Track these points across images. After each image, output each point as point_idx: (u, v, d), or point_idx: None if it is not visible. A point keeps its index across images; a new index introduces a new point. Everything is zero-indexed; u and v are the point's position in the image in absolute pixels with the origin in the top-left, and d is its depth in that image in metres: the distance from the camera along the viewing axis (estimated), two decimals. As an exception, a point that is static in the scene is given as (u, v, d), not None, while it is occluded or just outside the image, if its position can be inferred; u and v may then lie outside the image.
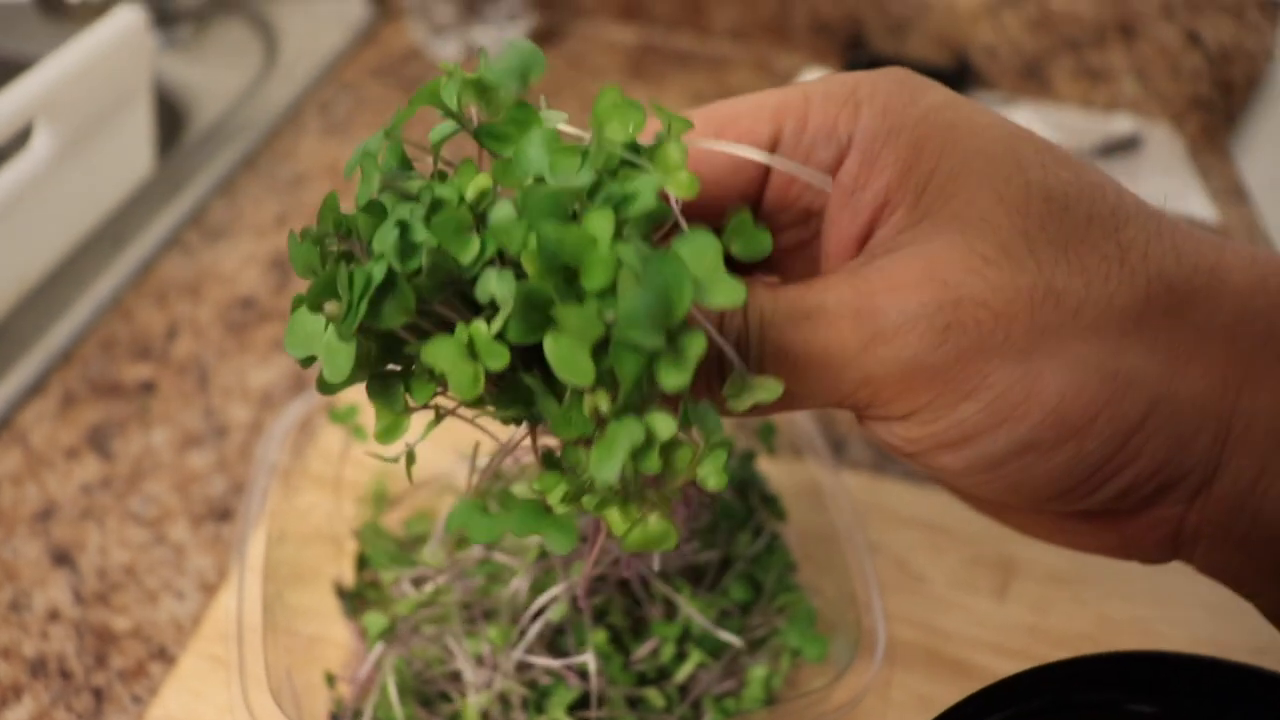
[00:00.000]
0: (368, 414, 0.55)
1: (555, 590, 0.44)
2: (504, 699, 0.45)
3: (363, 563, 0.53)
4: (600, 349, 0.25)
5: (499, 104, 0.29)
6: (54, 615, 0.54)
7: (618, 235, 0.25)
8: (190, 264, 0.77)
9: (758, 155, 0.31)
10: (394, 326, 0.26)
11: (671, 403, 0.27)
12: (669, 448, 0.27)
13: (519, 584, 0.47)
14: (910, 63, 0.97)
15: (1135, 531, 0.32)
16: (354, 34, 1.05)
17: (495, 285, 0.26)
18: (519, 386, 0.28)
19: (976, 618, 0.54)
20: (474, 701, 0.44)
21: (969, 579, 0.55)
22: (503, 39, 1.01)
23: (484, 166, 0.30)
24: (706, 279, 0.25)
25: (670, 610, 0.48)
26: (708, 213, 0.34)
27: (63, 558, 0.56)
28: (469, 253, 0.26)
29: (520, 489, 0.36)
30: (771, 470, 0.55)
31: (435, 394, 0.30)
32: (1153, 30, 0.92)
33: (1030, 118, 0.94)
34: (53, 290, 0.72)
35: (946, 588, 0.55)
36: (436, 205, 0.27)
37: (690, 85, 1.00)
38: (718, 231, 0.29)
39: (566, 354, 0.24)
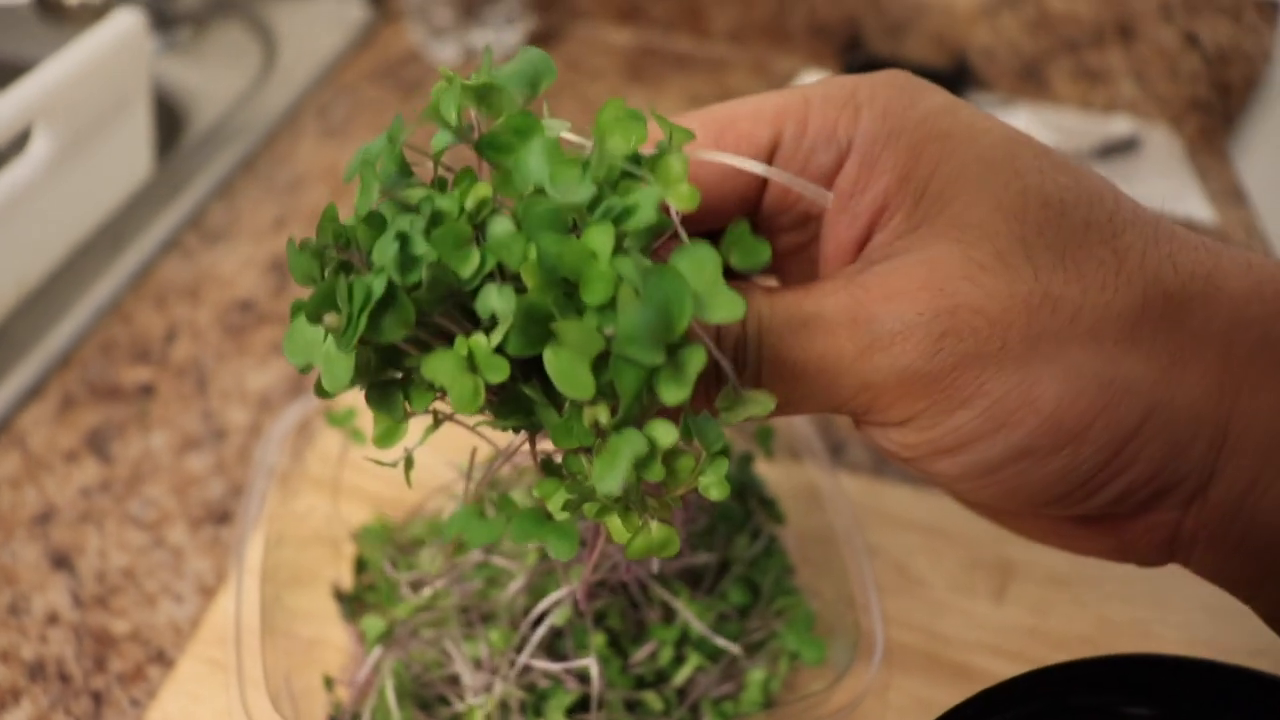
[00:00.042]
0: (366, 417, 0.55)
1: (557, 595, 0.44)
2: (503, 703, 0.45)
3: (361, 566, 0.53)
4: (600, 362, 0.25)
5: (499, 108, 0.29)
6: (53, 618, 0.54)
7: (618, 249, 0.25)
8: (189, 267, 0.77)
9: (756, 168, 0.31)
10: (394, 340, 0.26)
11: (671, 414, 0.27)
12: (671, 456, 0.27)
13: (517, 587, 0.47)
14: (908, 64, 0.97)
15: (1132, 535, 0.32)
16: (352, 37, 1.05)
17: (495, 300, 0.26)
18: (519, 397, 0.28)
19: (975, 620, 0.54)
20: (473, 705, 0.44)
21: (967, 581, 0.55)
22: (501, 41, 1.01)
23: (484, 173, 0.30)
24: (706, 293, 0.25)
25: (668, 613, 0.48)
26: (707, 216, 0.34)
27: (61, 561, 0.56)
28: (469, 266, 0.26)
29: (520, 495, 0.36)
30: (769, 473, 0.55)
31: (434, 401, 0.30)
32: (1151, 32, 0.92)
33: (1028, 119, 0.95)
34: (51, 293, 0.72)
35: (945, 590, 0.55)
36: (437, 218, 0.27)
37: (688, 87, 1.00)
38: (716, 238, 0.29)
39: (566, 368, 0.24)
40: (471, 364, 0.26)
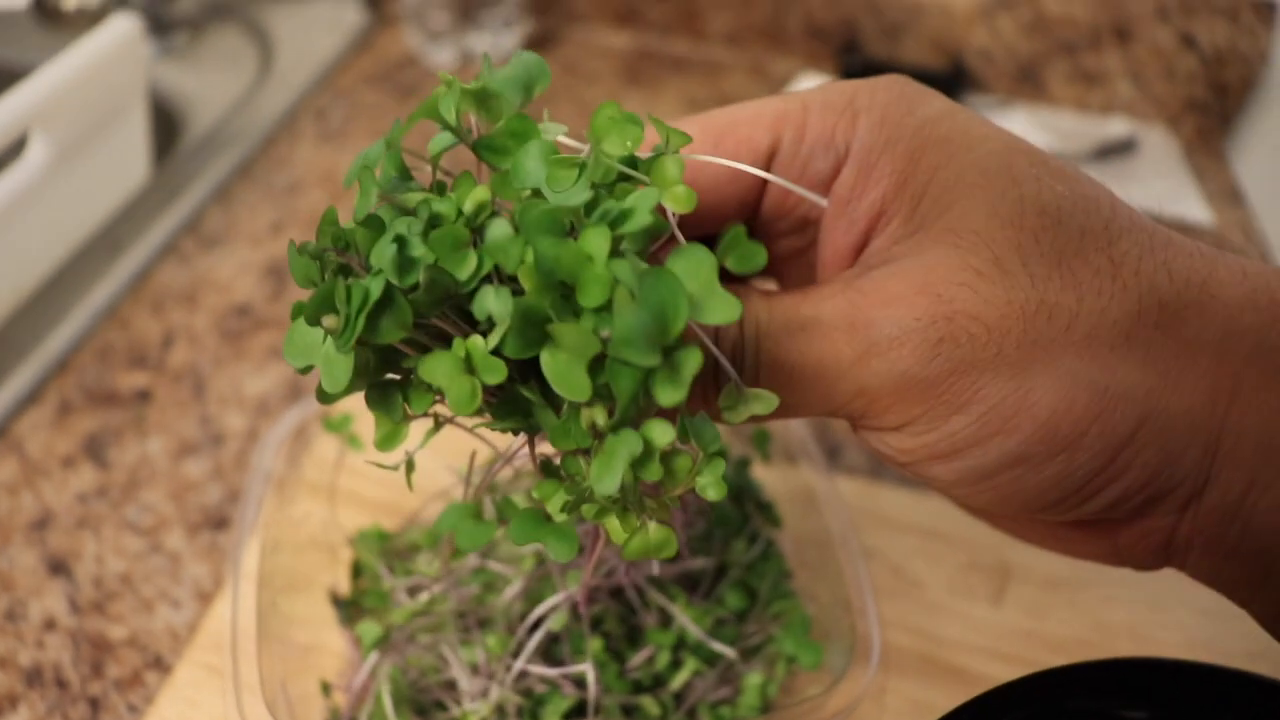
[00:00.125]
0: (362, 422, 0.55)
1: (555, 599, 0.44)
2: (500, 708, 0.45)
3: (358, 571, 0.53)
4: (597, 364, 0.25)
5: (498, 112, 0.29)
6: (50, 624, 0.54)
7: (614, 252, 0.25)
8: (186, 272, 0.77)
9: (754, 172, 0.31)
10: (391, 341, 0.26)
11: (668, 415, 0.27)
12: (668, 456, 0.28)
13: (514, 593, 0.47)
14: (905, 67, 0.97)
15: (1127, 540, 0.32)
16: (349, 41, 1.05)
17: (492, 302, 0.26)
18: (517, 398, 0.28)
19: (972, 623, 0.54)
20: (469, 710, 0.44)
21: (965, 584, 0.55)
22: (498, 44, 1.01)
23: (482, 176, 0.30)
24: (702, 295, 0.25)
25: (665, 617, 0.48)
26: (706, 220, 0.35)
27: (59, 567, 0.56)
28: (466, 269, 0.26)
29: (519, 497, 0.36)
30: (766, 477, 0.55)
31: (433, 403, 0.30)
32: (1147, 33, 0.92)
33: (1025, 121, 0.95)
34: (49, 299, 0.72)
35: (942, 593, 0.55)
36: (434, 221, 0.27)
37: (685, 90, 1.01)
38: (713, 242, 0.29)
39: (563, 370, 0.25)
40: (469, 365, 0.26)
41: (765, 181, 0.34)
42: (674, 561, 0.48)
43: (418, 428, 0.31)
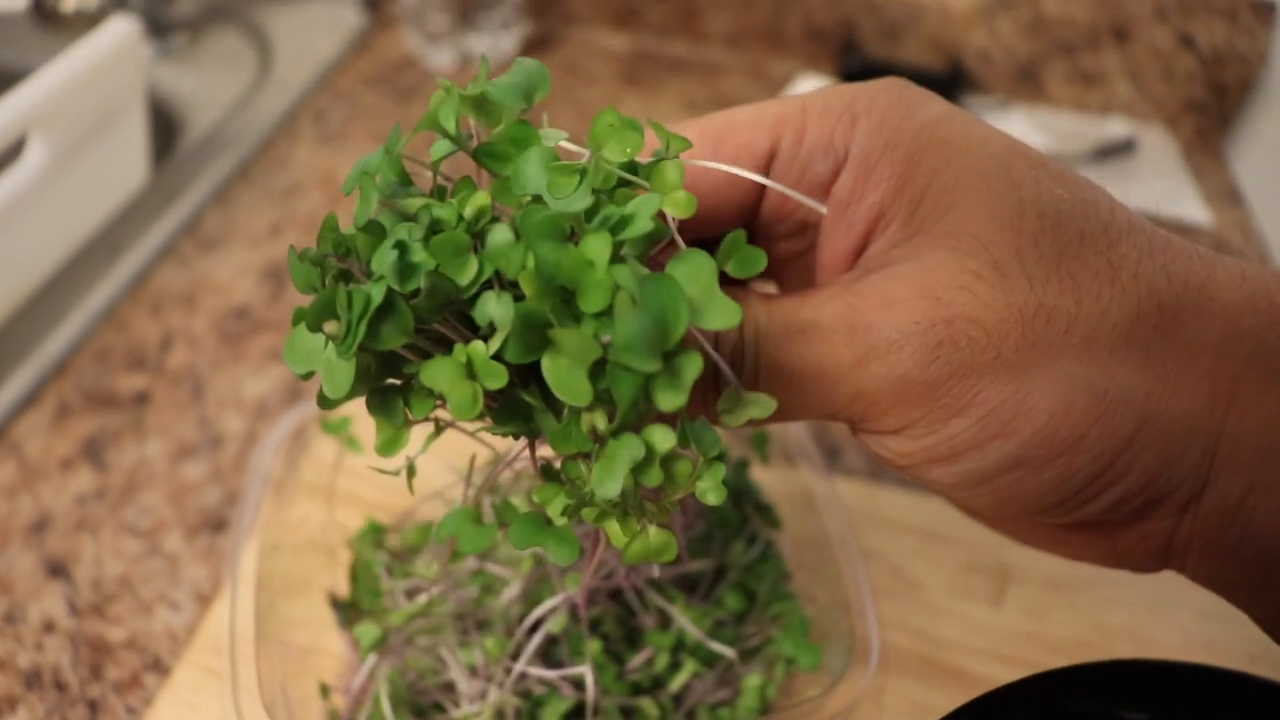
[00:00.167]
0: (360, 425, 0.55)
1: (554, 601, 0.44)
2: (498, 710, 0.45)
3: (356, 573, 0.53)
4: (598, 369, 0.25)
5: (498, 118, 0.30)
6: (49, 627, 0.54)
7: (615, 257, 0.25)
8: (185, 274, 0.77)
9: (753, 177, 0.31)
10: (393, 347, 0.26)
11: (668, 419, 0.27)
12: (669, 460, 0.28)
13: (512, 595, 0.47)
14: (904, 67, 0.98)
15: (1126, 542, 0.32)
16: (348, 42, 1.05)
17: (494, 308, 0.26)
18: (517, 403, 0.28)
19: (972, 624, 0.54)
20: (468, 712, 0.44)
21: (965, 586, 0.56)
22: (497, 46, 1.01)
23: (482, 181, 0.30)
24: (702, 300, 0.25)
25: (664, 619, 0.48)
26: (705, 224, 0.35)
27: (57, 569, 0.56)
28: (467, 274, 0.26)
29: (519, 501, 0.36)
30: (765, 478, 0.56)
31: (434, 408, 0.30)
32: (1146, 33, 0.92)
33: (1024, 121, 0.95)
34: (47, 301, 0.72)
35: (942, 595, 0.55)
36: (435, 226, 0.27)
37: (684, 92, 1.01)
38: (714, 246, 0.29)
39: (564, 375, 0.25)
40: (470, 371, 0.26)
41: (764, 186, 0.34)
42: (673, 563, 0.48)
43: (418, 431, 0.31)
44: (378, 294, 0.25)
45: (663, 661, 0.47)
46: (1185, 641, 0.53)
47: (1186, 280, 0.29)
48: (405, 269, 0.26)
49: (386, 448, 0.30)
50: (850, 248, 0.33)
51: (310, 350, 0.27)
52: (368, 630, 0.46)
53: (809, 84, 0.99)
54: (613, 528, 0.29)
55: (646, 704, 0.46)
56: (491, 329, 0.26)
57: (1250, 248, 0.83)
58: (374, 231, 0.27)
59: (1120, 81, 0.96)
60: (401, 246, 0.26)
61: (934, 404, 0.29)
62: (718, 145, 0.34)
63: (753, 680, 0.47)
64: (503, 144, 0.29)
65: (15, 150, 0.67)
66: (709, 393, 0.30)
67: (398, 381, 0.29)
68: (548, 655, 0.46)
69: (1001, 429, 0.29)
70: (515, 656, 0.45)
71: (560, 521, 0.30)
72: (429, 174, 0.30)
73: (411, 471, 0.33)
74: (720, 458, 0.28)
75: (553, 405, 0.28)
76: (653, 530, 0.29)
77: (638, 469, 0.26)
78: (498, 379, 0.26)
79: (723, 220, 0.35)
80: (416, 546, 0.53)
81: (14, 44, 1.00)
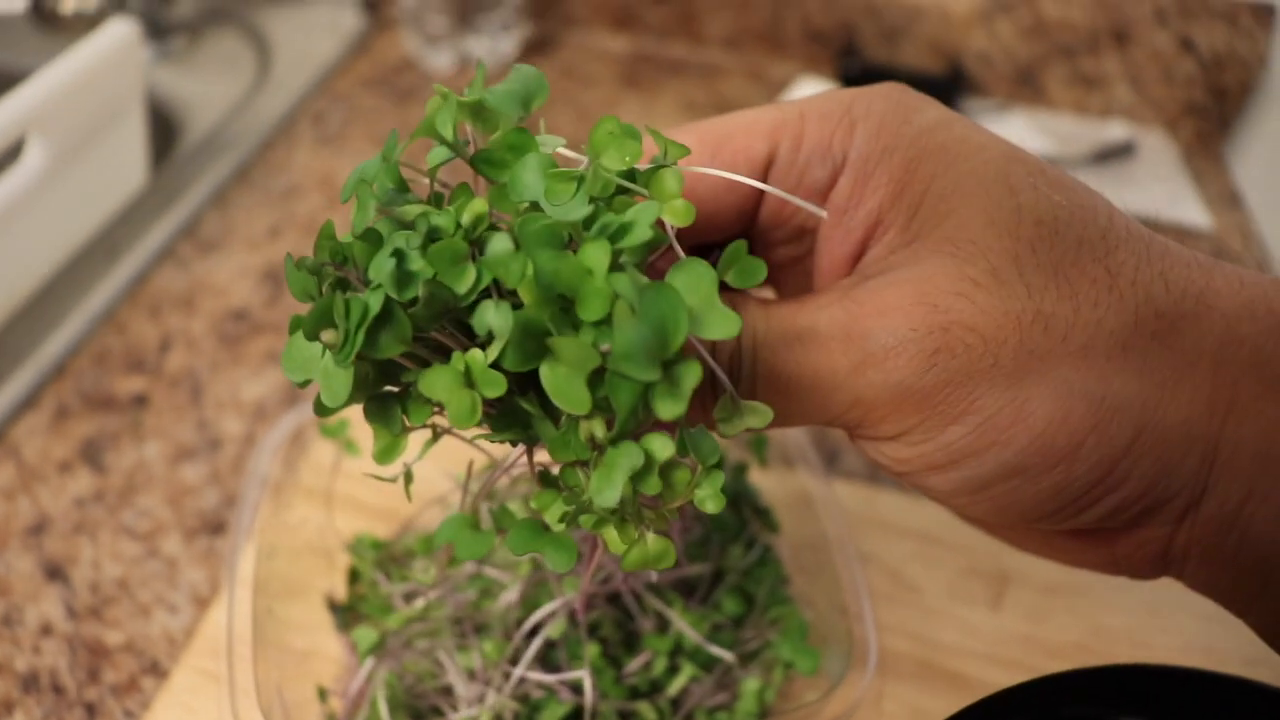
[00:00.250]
0: (358, 428, 0.55)
1: (552, 606, 0.44)
2: (496, 715, 0.45)
3: (355, 576, 0.53)
4: (596, 377, 0.25)
5: (495, 124, 0.29)
6: (46, 630, 0.54)
7: (614, 266, 0.25)
8: (183, 276, 0.77)
9: (751, 183, 0.31)
10: (391, 356, 0.26)
11: (666, 427, 0.27)
12: (667, 468, 0.28)
13: (510, 599, 0.47)
14: (904, 70, 0.98)
15: (1124, 549, 0.32)
16: (347, 45, 1.05)
17: (492, 316, 0.26)
18: (516, 410, 0.28)
19: (970, 628, 0.54)
20: (466, 716, 0.44)
21: (963, 589, 0.55)
22: (496, 48, 1.01)
23: (480, 189, 0.30)
24: (701, 310, 0.25)
25: (662, 623, 0.48)
26: (703, 229, 0.35)
27: (55, 572, 0.56)
28: (465, 283, 0.26)
29: (517, 506, 0.36)
30: (764, 482, 0.56)
31: (432, 415, 0.30)
32: (1146, 37, 0.92)
33: (1024, 124, 0.95)
34: (46, 303, 0.72)
35: (940, 599, 0.55)
36: (433, 234, 0.27)
37: (683, 94, 1.01)
38: (712, 251, 0.29)
39: (563, 383, 0.25)
40: (468, 379, 0.26)
41: (762, 191, 0.34)
42: (671, 567, 0.48)
43: (415, 437, 0.31)
44: (375, 302, 0.25)
45: (661, 665, 0.47)
46: (1184, 646, 0.53)
47: (1185, 287, 0.29)
48: (403, 277, 0.26)
49: (384, 455, 0.30)
50: (848, 253, 0.33)
51: (308, 358, 0.27)
52: (366, 634, 0.46)
53: (808, 86, 0.99)
54: (611, 535, 0.29)
55: (645, 708, 0.46)
56: (490, 337, 0.26)
57: (1250, 251, 0.83)
58: (371, 239, 0.27)
59: (1120, 85, 0.95)
60: (399, 254, 0.26)
61: (931, 411, 0.29)
62: (716, 151, 0.34)
63: (751, 684, 0.47)
64: (500, 151, 0.29)
65: (14, 152, 0.67)
66: (707, 400, 0.30)
67: (395, 389, 0.29)
68: (546, 659, 0.46)
69: (998, 436, 0.29)
70: (513, 660, 0.45)
71: (558, 528, 0.30)
72: (426, 181, 0.30)
73: (409, 478, 0.33)
74: (719, 465, 0.28)
75: (551, 413, 0.28)
76: (651, 537, 0.29)
77: (636, 477, 0.26)
78: (496, 387, 0.26)
79: (721, 226, 0.35)
80: (415, 550, 0.53)
81: (13, 46, 0.99)
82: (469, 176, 0.30)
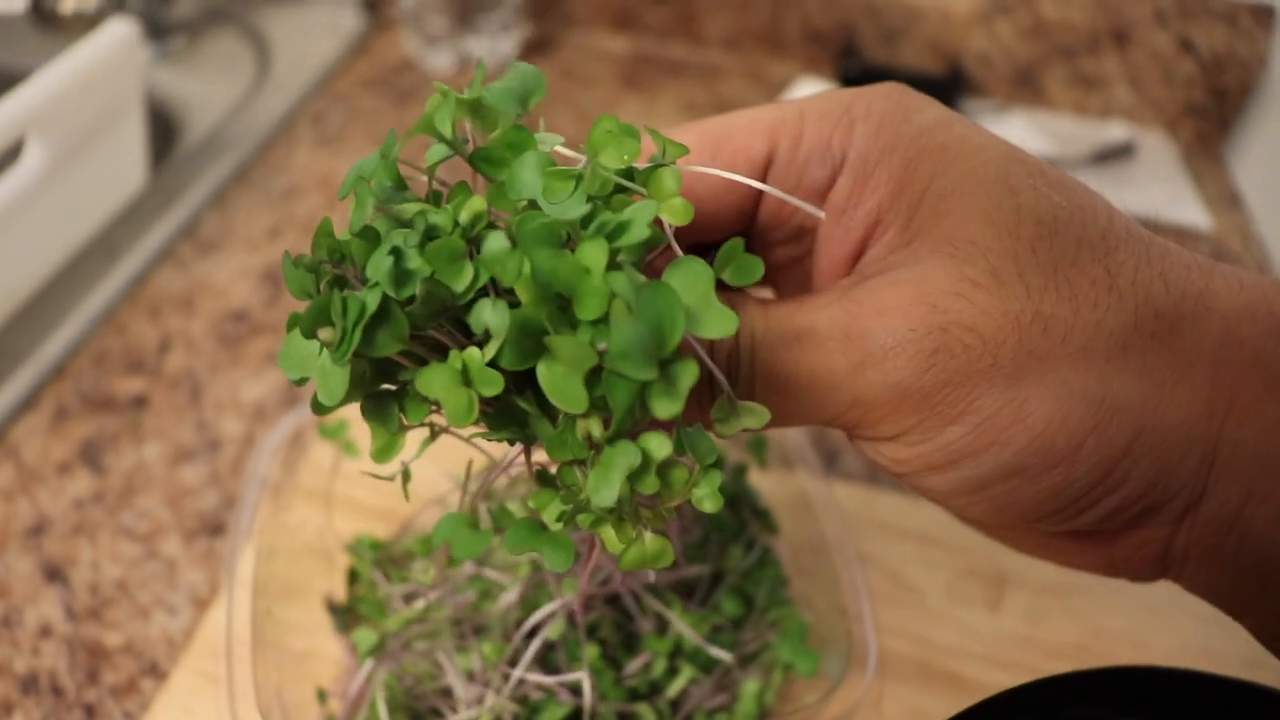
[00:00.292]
0: (358, 429, 0.55)
1: (551, 607, 0.44)
2: (496, 716, 0.44)
3: (354, 578, 0.53)
4: (593, 376, 0.25)
5: (494, 122, 0.29)
6: (45, 631, 0.53)
7: (611, 264, 0.25)
8: (183, 277, 0.77)
9: (750, 183, 0.31)
10: (388, 354, 0.26)
11: (664, 426, 0.27)
12: (665, 468, 0.28)
13: (510, 600, 0.47)
14: (903, 71, 0.98)
15: (1123, 551, 0.32)
16: (347, 45, 1.05)
17: (489, 315, 0.26)
18: (513, 409, 0.28)
19: (969, 630, 0.54)
20: (465, 717, 0.44)
21: (963, 591, 0.55)
22: (496, 49, 1.01)
23: (478, 187, 0.30)
24: (698, 309, 0.25)
25: (661, 624, 0.48)
26: (702, 229, 0.35)
27: (54, 573, 0.56)
28: (462, 281, 0.26)
29: (515, 505, 0.36)
30: (763, 483, 0.55)
31: (429, 413, 0.30)
32: (1146, 37, 0.92)
33: (1024, 125, 0.95)
34: (45, 304, 0.72)
35: (940, 600, 0.55)
36: (431, 232, 0.27)
37: (683, 94, 1.01)
38: (711, 250, 0.29)
39: (560, 382, 0.25)
40: (466, 377, 0.26)
41: (761, 190, 0.34)
42: (670, 568, 0.48)
43: (413, 436, 0.31)
44: (373, 301, 0.25)
45: (660, 667, 0.46)
46: (1183, 647, 0.53)
47: (1184, 288, 0.29)
48: (400, 275, 0.26)
49: (381, 454, 0.30)
50: (847, 253, 0.33)
51: (305, 356, 0.27)
52: (365, 635, 0.46)
53: (808, 87, 0.99)
54: (608, 534, 0.29)
55: (644, 710, 0.46)
56: (487, 335, 0.26)
57: (1250, 252, 0.83)
58: (369, 237, 0.27)
59: (1120, 85, 0.95)
60: (397, 253, 0.26)
61: (929, 411, 0.29)
62: (715, 150, 0.33)
63: (750, 686, 0.47)
64: (498, 149, 0.28)
65: (13, 153, 0.67)
66: (704, 399, 0.30)
67: (393, 387, 0.29)
68: (545, 661, 0.46)
69: (997, 437, 0.29)
70: (513, 662, 0.45)
71: (556, 527, 0.30)
72: (425, 178, 0.30)
73: (406, 477, 0.32)
74: (716, 465, 0.28)
75: (548, 412, 0.28)
76: (648, 536, 0.29)
77: (633, 476, 0.26)
78: (493, 386, 0.26)
79: (720, 225, 0.35)
80: (414, 551, 0.53)
81: (12, 46, 0.99)
82: (468, 174, 0.30)
